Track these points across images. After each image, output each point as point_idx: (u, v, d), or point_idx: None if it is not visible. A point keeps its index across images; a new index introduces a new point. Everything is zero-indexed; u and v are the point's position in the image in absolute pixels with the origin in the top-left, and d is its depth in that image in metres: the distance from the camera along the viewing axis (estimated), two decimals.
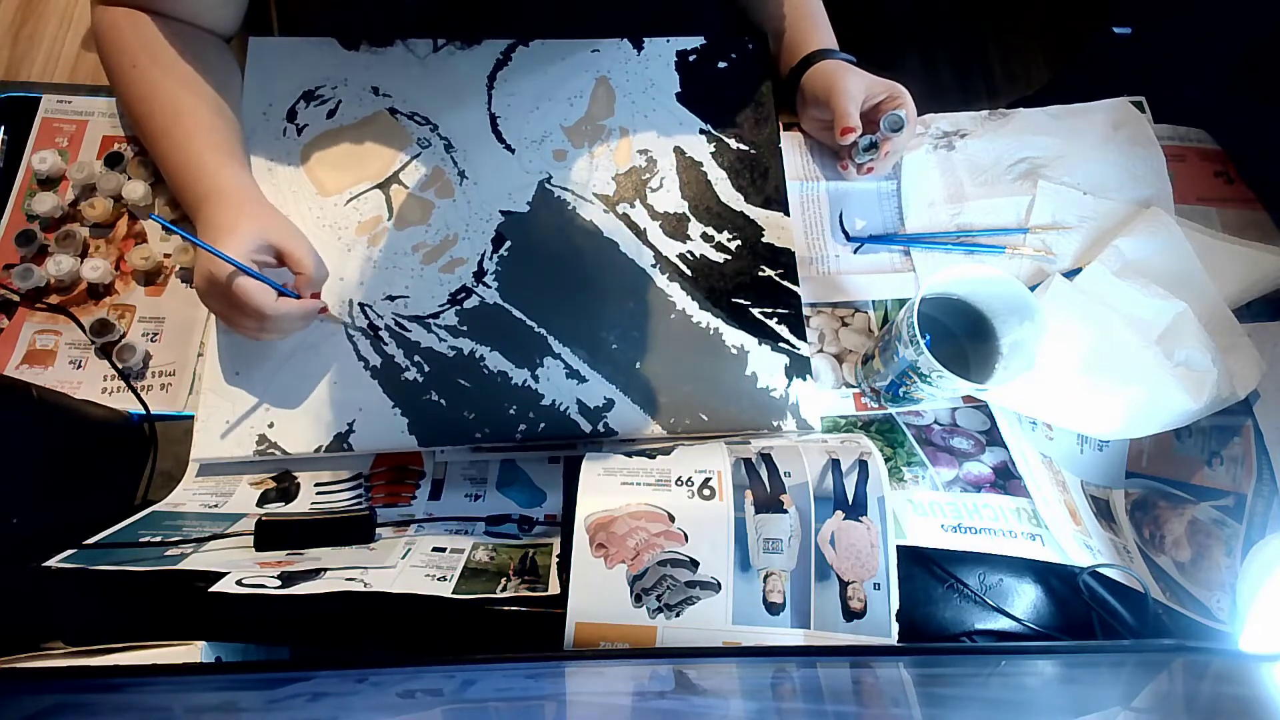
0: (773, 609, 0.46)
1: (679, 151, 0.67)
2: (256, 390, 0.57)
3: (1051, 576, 0.56)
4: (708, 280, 0.63)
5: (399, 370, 0.58)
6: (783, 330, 0.62)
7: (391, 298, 0.60)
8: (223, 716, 0.40)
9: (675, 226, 0.64)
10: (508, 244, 0.63)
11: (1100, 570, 0.54)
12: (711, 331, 0.61)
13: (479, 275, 0.62)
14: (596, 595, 0.45)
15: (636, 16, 0.73)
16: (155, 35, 0.58)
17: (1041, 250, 0.66)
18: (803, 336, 0.61)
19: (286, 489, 0.56)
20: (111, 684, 0.40)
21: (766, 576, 0.46)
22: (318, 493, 0.56)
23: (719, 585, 0.46)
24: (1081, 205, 0.67)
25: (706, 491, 0.48)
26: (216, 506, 0.54)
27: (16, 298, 0.59)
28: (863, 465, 0.49)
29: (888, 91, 0.64)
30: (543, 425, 0.57)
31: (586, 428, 0.58)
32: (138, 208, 0.63)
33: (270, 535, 0.50)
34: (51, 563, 0.45)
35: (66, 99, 0.66)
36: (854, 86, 0.63)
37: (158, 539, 0.49)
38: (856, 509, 0.48)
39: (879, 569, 0.47)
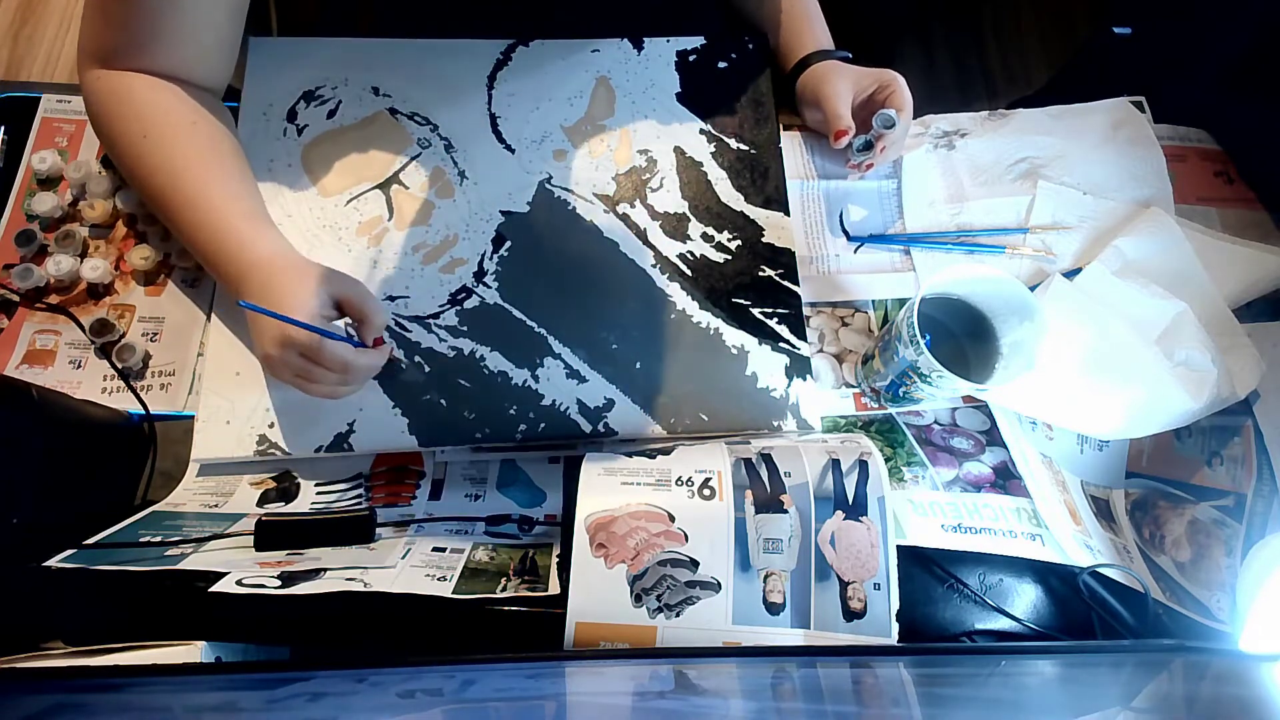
0: (773, 609, 0.46)
1: (679, 151, 0.67)
2: (256, 390, 0.57)
3: (1051, 576, 0.56)
4: (708, 280, 0.63)
5: (399, 370, 0.58)
6: (783, 330, 0.62)
7: (392, 298, 0.60)
8: (223, 716, 0.40)
9: (675, 226, 0.64)
10: (508, 244, 0.63)
11: (1100, 570, 0.54)
12: (711, 331, 0.61)
13: (479, 275, 0.62)
14: (596, 595, 0.45)
15: (636, 16, 0.73)
16: (166, 98, 0.55)
17: (1041, 250, 0.66)
18: (803, 336, 0.61)
19: (286, 489, 0.56)
20: (111, 684, 0.40)
21: (766, 576, 0.46)
22: (318, 493, 0.56)
23: (719, 585, 0.46)
24: (1081, 205, 0.67)
25: (706, 491, 0.48)
26: (216, 506, 0.54)
27: (16, 298, 0.59)
28: (863, 465, 0.49)
29: (877, 82, 0.64)
30: (543, 425, 0.57)
31: (586, 428, 0.58)
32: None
33: (270, 535, 0.50)
34: (51, 563, 0.45)
35: (66, 99, 0.66)
36: (842, 87, 0.64)
37: (158, 539, 0.49)
38: (856, 509, 0.48)
39: (879, 569, 0.47)
